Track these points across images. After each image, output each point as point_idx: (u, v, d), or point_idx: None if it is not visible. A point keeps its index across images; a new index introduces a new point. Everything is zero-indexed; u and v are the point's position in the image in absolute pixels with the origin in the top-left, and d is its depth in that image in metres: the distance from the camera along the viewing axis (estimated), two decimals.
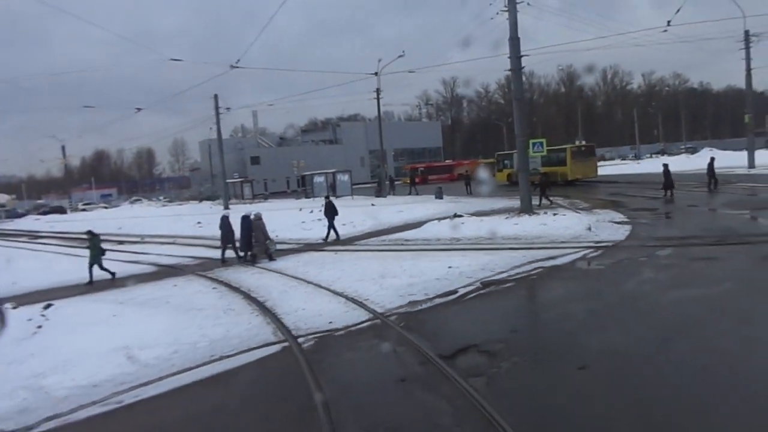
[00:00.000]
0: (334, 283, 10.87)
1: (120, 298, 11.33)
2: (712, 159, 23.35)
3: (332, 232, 18.16)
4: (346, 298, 9.55)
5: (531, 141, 24.63)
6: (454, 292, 9.40)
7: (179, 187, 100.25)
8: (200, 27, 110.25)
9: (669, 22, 24.22)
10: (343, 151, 72.82)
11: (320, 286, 10.71)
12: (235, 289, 11.42)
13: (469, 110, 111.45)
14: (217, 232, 16.61)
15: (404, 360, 6.46)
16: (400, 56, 32.86)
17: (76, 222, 40.15)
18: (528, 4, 17.90)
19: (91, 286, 13.60)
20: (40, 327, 8.72)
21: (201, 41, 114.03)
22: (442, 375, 5.79)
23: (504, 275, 10.38)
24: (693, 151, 57.93)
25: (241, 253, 15.74)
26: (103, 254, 14.62)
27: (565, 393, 5.27)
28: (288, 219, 24.91)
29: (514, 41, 17.69)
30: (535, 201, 20.69)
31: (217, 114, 38.46)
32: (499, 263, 11.40)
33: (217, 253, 16.41)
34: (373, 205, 29.21)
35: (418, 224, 19.14)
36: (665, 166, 21.88)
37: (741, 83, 35.59)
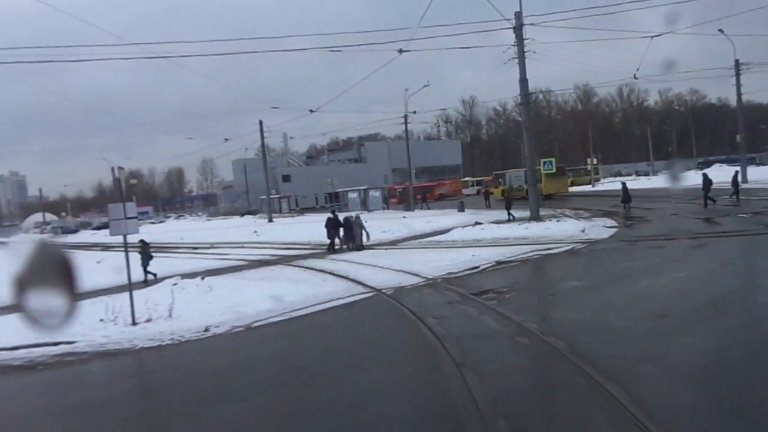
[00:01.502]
0: (392, 265, 15.72)
1: (241, 277, 16.31)
2: (737, 172, 26.43)
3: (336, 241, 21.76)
4: (405, 272, 14.39)
5: (542, 160, 29.48)
6: (477, 267, 14.25)
7: (208, 204, 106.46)
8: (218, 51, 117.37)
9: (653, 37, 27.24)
10: (367, 170, 78.00)
11: (383, 267, 15.57)
12: (320, 271, 16.34)
13: (488, 128, 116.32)
14: (276, 237, 21.84)
15: (449, 296, 11.28)
16: (425, 86, 37.92)
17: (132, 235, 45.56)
18: (534, 52, 22.75)
19: (147, 283, 16.80)
20: (210, 288, 13.69)
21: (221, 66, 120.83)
22: (471, 299, 10.59)
23: (512, 258, 15.19)
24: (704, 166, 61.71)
25: (345, 245, 21.26)
26: (151, 259, 18.49)
27: (540, 304, 10.04)
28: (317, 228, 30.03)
29: (523, 82, 22.60)
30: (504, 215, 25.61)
31: (262, 138, 44.03)
32: (509, 252, 16.20)
33: (288, 251, 21.44)
34: (404, 217, 34.11)
35: (445, 231, 23.91)
36: (624, 183, 26.54)
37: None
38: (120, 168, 12.39)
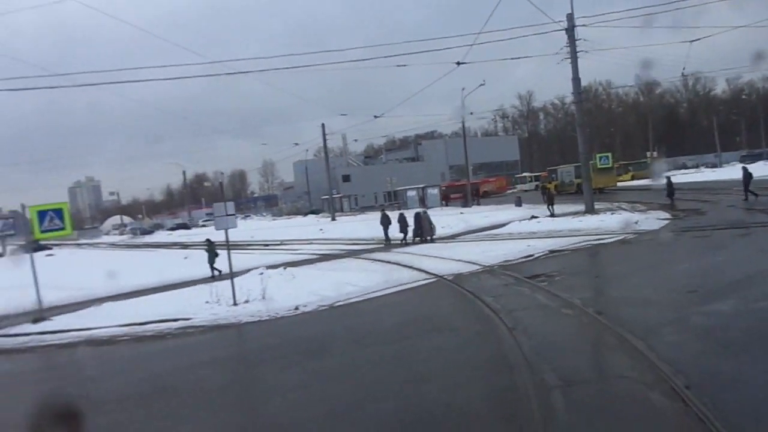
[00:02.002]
0: (452, 256, 17.38)
1: (316, 268, 18.41)
2: None
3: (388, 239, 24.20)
4: (464, 261, 16.04)
5: (598, 155, 30.23)
6: (531, 255, 15.74)
7: (269, 205, 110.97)
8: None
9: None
10: (425, 168, 79.57)
11: (443, 258, 17.27)
12: (387, 262, 18.21)
13: (546, 122, 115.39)
14: (341, 234, 23.88)
15: (504, 279, 12.87)
16: (481, 85, 39.17)
17: (204, 235, 49.25)
18: (586, 51, 23.81)
19: (213, 279, 18.70)
20: (293, 276, 15.82)
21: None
22: (524, 282, 12.15)
23: (565, 248, 16.57)
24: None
25: (416, 238, 23.32)
26: (217, 256, 20.16)
27: (585, 284, 11.49)
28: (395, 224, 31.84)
29: (576, 81, 23.72)
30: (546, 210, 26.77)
31: (324, 141, 46.50)
32: (562, 243, 17.55)
33: (353, 246, 23.47)
34: (461, 213, 35.60)
35: (502, 225, 25.30)
36: (668, 178, 26.93)
37: None
38: (221, 173, 14.59)
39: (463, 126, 43.61)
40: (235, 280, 15.79)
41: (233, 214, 13.88)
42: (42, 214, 14.42)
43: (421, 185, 48.12)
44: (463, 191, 46.85)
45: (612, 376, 6.40)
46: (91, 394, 8.57)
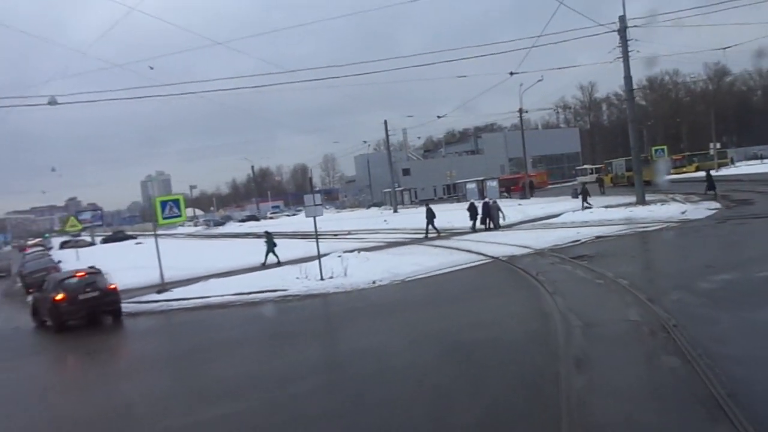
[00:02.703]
0: (507, 242, 19.61)
1: (385, 253, 21.06)
2: None
3: (431, 229, 26.05)
4: (517, 245, 18.27)
5: (654, 148, 31.52)
6: (578, 241, 17.82)
7: (330, 198, 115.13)
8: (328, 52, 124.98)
9: None
10: (484, 160, 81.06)
11: (499, 243, 19.53)
12: (448, 248, 20.63)
13: (609, 113, 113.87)
14: (404, 224, 26.30)
15: (552, 260, 15.08)
16: (539, 81, 40.69)
17: (273, 226, 53.14)
18: (638, 51, 25.29)
19: (266, 266, 21.48)
20: (367, 258, 18.53)
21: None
22: (568, 261, 14.33)
23: (610, 234, 18.52)
24: None
25: (482, 225, 25.68)
26: (275, 246, 23.06)
27: (620, 263, 13.56)
28: (454, 215, 34.28)
29: (627, 80, 25.27)
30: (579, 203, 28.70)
31: (387, 137, 49.13)
32: (609, 230, 19.46)
33: (416, 235, 25.99)
34: (519, 204, 37.45)
35: (556, 215, 27.18)
36: (707, 171, 27.79)
37: None
38: (310, 173, 17.47)
39: (521, 120, 45.22)
40: (315, 261, 18.66)
41: (321, 204, 16.71)
42: (163, 204, 17.76)
43: (481, 178, 50.06)
44: (517, 184, 48.64)
45: (620, 320, 8.62)
46: (223, 339, 11.53)
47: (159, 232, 75.31)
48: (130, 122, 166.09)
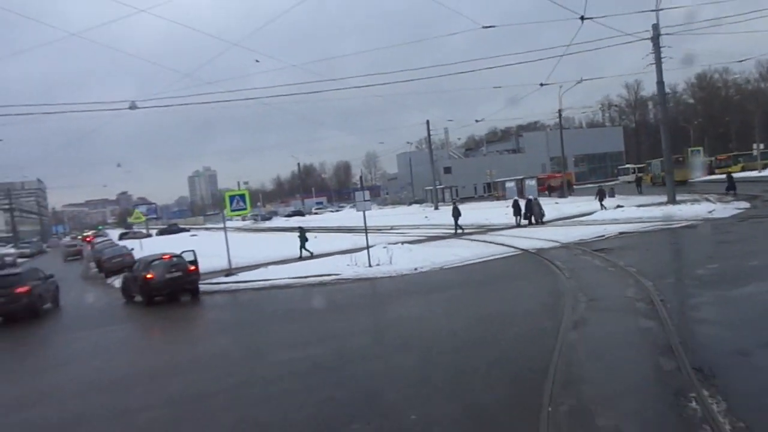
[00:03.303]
0: (538, 237, 21.49)
1: (426, 245, 23.24)
2: None
3: (458, 227, 28.22)
4: (546, 239, 20.16)
5: (690, 149, 32.66)
6: (602, 236, 19.59)
7: (372, 195, 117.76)
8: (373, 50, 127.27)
9: None
10: (525, 159, 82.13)
11: (530, 238, 21.44)
12: (483, 241, 22.64)
13: (656, 111, 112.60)
14: (443, 221, 28.34)
15: (574, 251, 16.97)
16: (579, 82, 41.96)
17: (318, 222, 56.10)
18: (671, 57, 26.63)
19: (302, 259, 23.84)
20: (410, 249, 20.75)
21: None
22: (589, 253, 16.21)
23: (634, 231, 20.21)
24: None
25: (525, 221, 27.64)
26: (307, 241, 25.33)
27: (634, 254, 15.36)
28: (491, 212, 36.15)
29: (660, 85, 26.66)
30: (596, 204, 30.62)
31: (429, 137, 51.09)
32: (634, 227, 21.12)
33: (451, 230, 28.04)
34: (557, 202, 39.01)
35: (589, 213, 28.83)
36: (728, 173, 28.76)
37: None
38: (361, 173, 19.81)
39: (560, 122, 46.51)
40: (363, 252, 20.93)
41: (369, 200, 19.01)
42: (232, 198, 20.39)
43: (520, 176, 51.56)
44: (543, 184, 50.13)
45: (619, 296, 10.57)
46: (288, 309, 13.97)
47: (209, 226, 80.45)
48: (178, 119, 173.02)
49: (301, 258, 24.17)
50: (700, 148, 32.98)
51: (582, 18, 18.27)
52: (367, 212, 19.70)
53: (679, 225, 20.90)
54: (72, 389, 9.25)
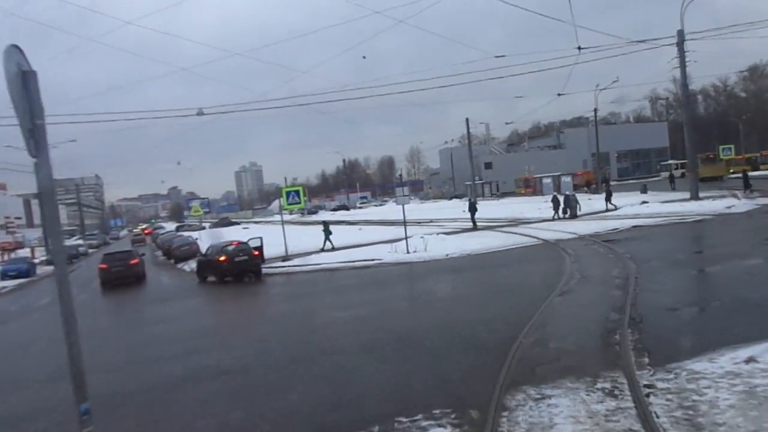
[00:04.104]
0: (560, 229, 23.97)
1: (459, 236, 26.04)
2: None
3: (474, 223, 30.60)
4: (566, 232, 22.66)
5: (721, 147, 34.43)
6: (616, 229, 22.02)
7: (415, 189, 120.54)
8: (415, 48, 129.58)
9: None
10: (566, 155, 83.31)
11: (553, 230, 23.95)
12: (510, 232, 25.27)
13: (706, 105, 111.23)
14: (480, 215, 30.79)
15: (586, 242, 19.51)
16: (615, 82, 43.77)
17: (362, 216, 59.37)
18: (695, 61, 28.52)
19: (324, 251, 26.65)
20: (444, 239, 23.62)
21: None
22: (598, 243, 18.74)
23: (647, 224, 22.49)
24: None
25: (562, 215, 30.11)
26: (331, 234, 27.71)
27: (636, 244, 17.81)
28: (526, 207, 38.58)
29: (684, 88, 28.62)
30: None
31: (468, 134, 53.50)
32: (649, 222, 23.37)
33: (489, 224, 30.66)
34: (589, 199, 41.02)
35: (617, 208, 30.96)
36: (744, 171, 30.10)
37: None
38: (400, 171, 22.81)
39: (596, 120, 48.17)
40: (402, 241, 23.82)
41: (408, 195, 21.95)
42: (288, 193, 23.68)
43: (557, 173, 53.48)
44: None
45: (605, 274, 13.17)
46: (338, 285, 17.09)
47: (257, 219, 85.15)
48: (226, 117, 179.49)
49: (323, 250, 26.53)
50: (732, 146, 34.44)
51: (579, 48, 20.67)
52: (408, 206, 22.64)
53: (692, 219, 23.02)
54: (181, 335, 12.60)
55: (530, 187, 58.83)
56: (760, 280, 10.92)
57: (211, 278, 21.34)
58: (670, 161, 74.34)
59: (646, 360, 7.13)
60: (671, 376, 6.46)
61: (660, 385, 6.24)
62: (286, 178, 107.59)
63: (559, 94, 30.64)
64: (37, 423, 7.58)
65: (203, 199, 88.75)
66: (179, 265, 30.09)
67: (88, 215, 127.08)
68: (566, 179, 51.49)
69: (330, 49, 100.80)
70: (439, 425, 5.90)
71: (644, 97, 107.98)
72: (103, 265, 24.73)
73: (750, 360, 6.55)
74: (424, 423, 5.96)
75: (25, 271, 35.01)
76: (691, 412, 5.49)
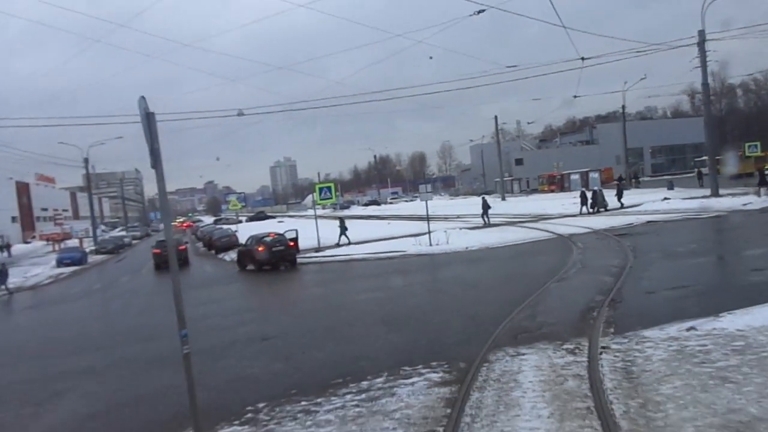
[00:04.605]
0: (578, 224, 25.31)
1: (481, 231, 27.61)
2: None
3: (485, 219, 31.80)
4: (582, 227, 24.00)
5: (747, 144, 35.20)
6: (631, 224, 23.31)
7: (447, 185, 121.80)
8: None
9: None
10: (599, 150, 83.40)
11: (570, 225, 25.31)
12: (532, 229, 26.71)
13: (746, 99, 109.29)
14: (505, 211, 32.35)
15: (599, 236, 20.89)
16: (642, 79, 44.41)
17: (392, 210, 61.19)
18: (716, 61, 29.31)
19: (339, 245, 28.26)
20: (466, 233, 25.24)
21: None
22: (609, 237, 20.10)
23: (660, 220, 23.67)
24: None
25: (591, 210, 31.44)
26: (347, 230, 28.93)
27: (643, 237, 19.14)
28: (550, 203, 39.83)
29: (705, 87, 29.45)
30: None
31: (497, 131, 54.67)
32: (664, 217, 24.53)
33: (512, 219, 32.06)
34: (616, 195, 41.91)
35: (638, 204, 32.02)
36: (761, 170, 30.47)
37: None
38: (428, 166, 24.50)
39: (623, 117, 48.84)
40: (426, 235, 25.44)
41: (431, 192, 23.67)
42: (321, 189, 25.65)
43: (585, 169, 54.32)
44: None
45: (604, 264, 14.59)
46: (365, 273, 18.91)
47: (292, 213, 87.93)
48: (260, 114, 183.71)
49: (338, 245, 27.85)
50: (758, 143, 34.95)
51: (582, 58, 21.99)
52: (438, 202, 24.41)
53: (707, 215, 24.08)
54: (229, 311, 14.65)
55: (554, 185, 59.80)
56: (735, 269, 12.32)
57: (251, 267, 23.43)
58: (704, 157, 73.96)
59: (612, 330, 8.73)
60: (625, 340, 8.07)
61: (613, 346, 7.86)
62: (319, 174, 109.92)
63: (574, 96, 31.87)
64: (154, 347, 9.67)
65: (240, 193, 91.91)
66: (220, 255, 32.44)
67: (129, 208, 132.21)
68: (594, 175, 52.30)
69: (367, 51, 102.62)
70: (434, 372, 7.66)
71: (681, 91, 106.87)
72: (157, 250, 28.95)
73: (690, 329, 8.12)
74: (423, 371, 7.72)
75: (78, 259, 37.95)
76: (629, 364, 7.11)
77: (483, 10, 18.71)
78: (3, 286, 25.54)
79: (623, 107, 47.76)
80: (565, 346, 8.10)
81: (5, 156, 79.90)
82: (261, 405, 7.14)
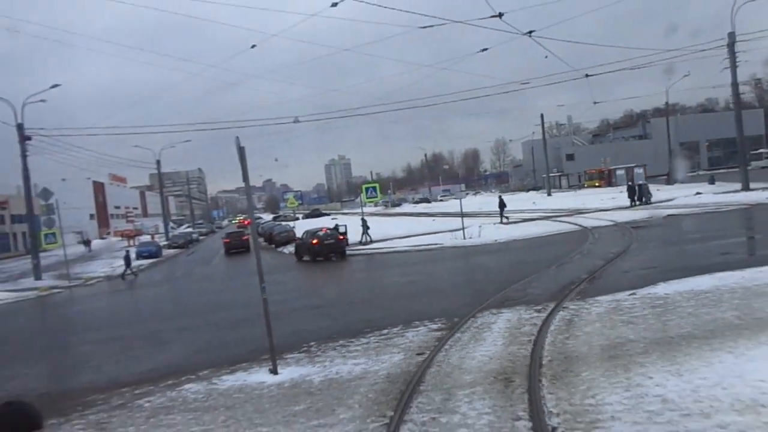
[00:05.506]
0: (602, 218, 27.49)
1: (515, 225, 30.19)
2: None
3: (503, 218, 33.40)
4: (607, 220, 26.23)
5: None
6: (651, 217, 25.36)
7: (500, 182, 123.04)
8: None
9: None
10: (652, 145, 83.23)
11: (597, 218, 27.53)
12: (562, 222, 29.07)
13: None
14: (548, 206, 34.69)
15: (619, 228, 23.17)
16: (686, 76, 45.35)
17: (441, 208, 63.92)
18: (746, 61, 30.72)
19: (362, 243, 31.02)
20: (498, 228, 27.91)
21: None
22: (626, 229, 22.38)
23: (681, 213, 25.64)
24: None
25: (638, 202, 33.68)
26: (369, 228, 31.10)
27: (656, 228, 21.36)
28: (592, 198, 41.79)
29: (735, 87, 30.92)
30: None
31: (543, 128, 56.48)
32: (685, 211, 26.47)
33: (549, 214, 34.38)
34: (658, 190, 43.32)
35: (672, 199, 33.73)
36: None
37: None
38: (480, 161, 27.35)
39: (667, 114, 49.77)
40: (459, 231, 28.13)
41: (464, 191, 26.53)
42: (367, 189, 28.93)
43: (632, 165, 55.51)
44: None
45: (608, 251, 16.98)
46: (408, 261, 22.05)
47: (345, 211, 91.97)
48: (311, 111, 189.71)
49: (361, 243, 29.68)
50: None
51: (587, 75, 24.25)
52: (485, 199, 27.14)
53: (728, 209, 25.85)
54: (289, 290, 18.06)
55: (602, 180, 61.05)
56: (709, 252, 14.67)
57: (306, 258, 26.91)
58: (761, 150, 73.02)
59: (578, 297, 11.48)
60: (583, 303, 10.82)
61: (572, 306, 10.63)
62: (371, 172, 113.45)
63: (594, 102, 33.83)
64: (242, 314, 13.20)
65: (296, 191, 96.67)
66: (279, 249, 36.25)
67: (194, 206, 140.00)
68: (639, 170, 53.51)
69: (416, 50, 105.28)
70: (435, 324, 10.66)
71: (743, 82, 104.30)
72: (226, 240, 40.00)
73: (632, 294, 10.81)
74: (427, 323, 10.73)
75: (155, 252, 42.79)
76: (575, 316, 9.90)
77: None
78: (129, 270, 30.37)
79: (666, 104, 48.80)
80: (536, 308, 10.92)
81: (81, 157, 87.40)
82: (312, 344, 10.35)
